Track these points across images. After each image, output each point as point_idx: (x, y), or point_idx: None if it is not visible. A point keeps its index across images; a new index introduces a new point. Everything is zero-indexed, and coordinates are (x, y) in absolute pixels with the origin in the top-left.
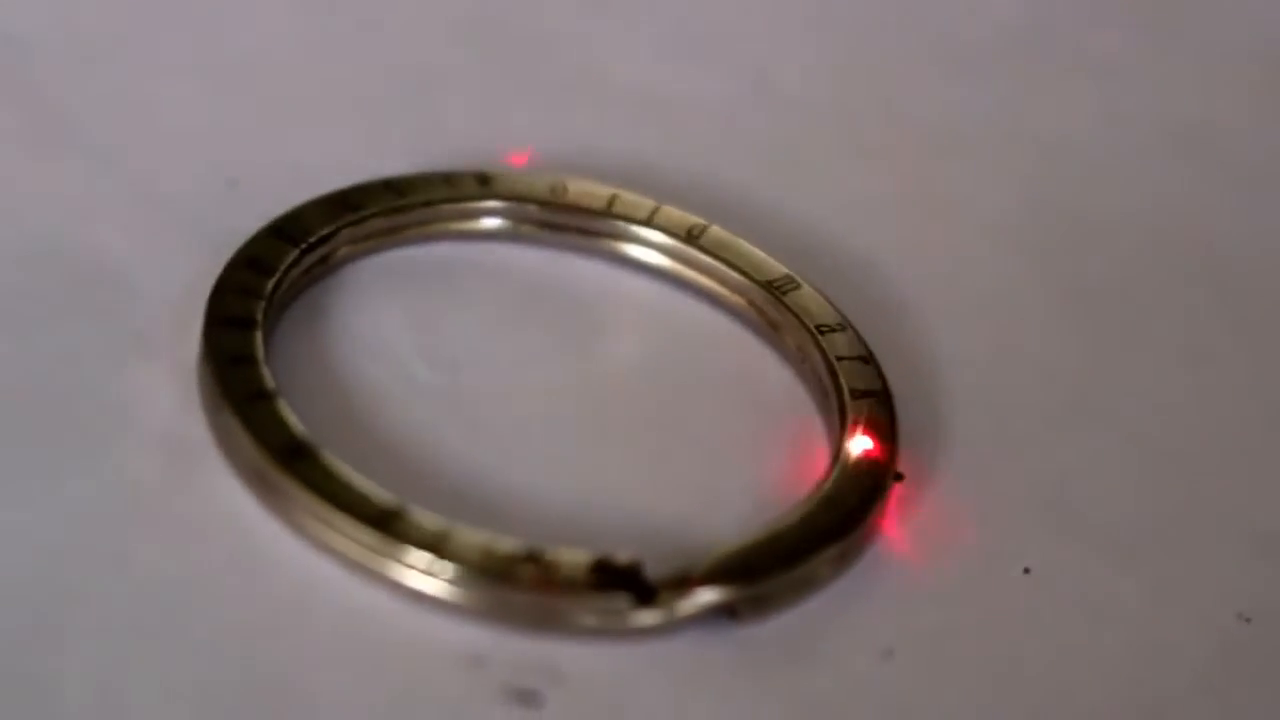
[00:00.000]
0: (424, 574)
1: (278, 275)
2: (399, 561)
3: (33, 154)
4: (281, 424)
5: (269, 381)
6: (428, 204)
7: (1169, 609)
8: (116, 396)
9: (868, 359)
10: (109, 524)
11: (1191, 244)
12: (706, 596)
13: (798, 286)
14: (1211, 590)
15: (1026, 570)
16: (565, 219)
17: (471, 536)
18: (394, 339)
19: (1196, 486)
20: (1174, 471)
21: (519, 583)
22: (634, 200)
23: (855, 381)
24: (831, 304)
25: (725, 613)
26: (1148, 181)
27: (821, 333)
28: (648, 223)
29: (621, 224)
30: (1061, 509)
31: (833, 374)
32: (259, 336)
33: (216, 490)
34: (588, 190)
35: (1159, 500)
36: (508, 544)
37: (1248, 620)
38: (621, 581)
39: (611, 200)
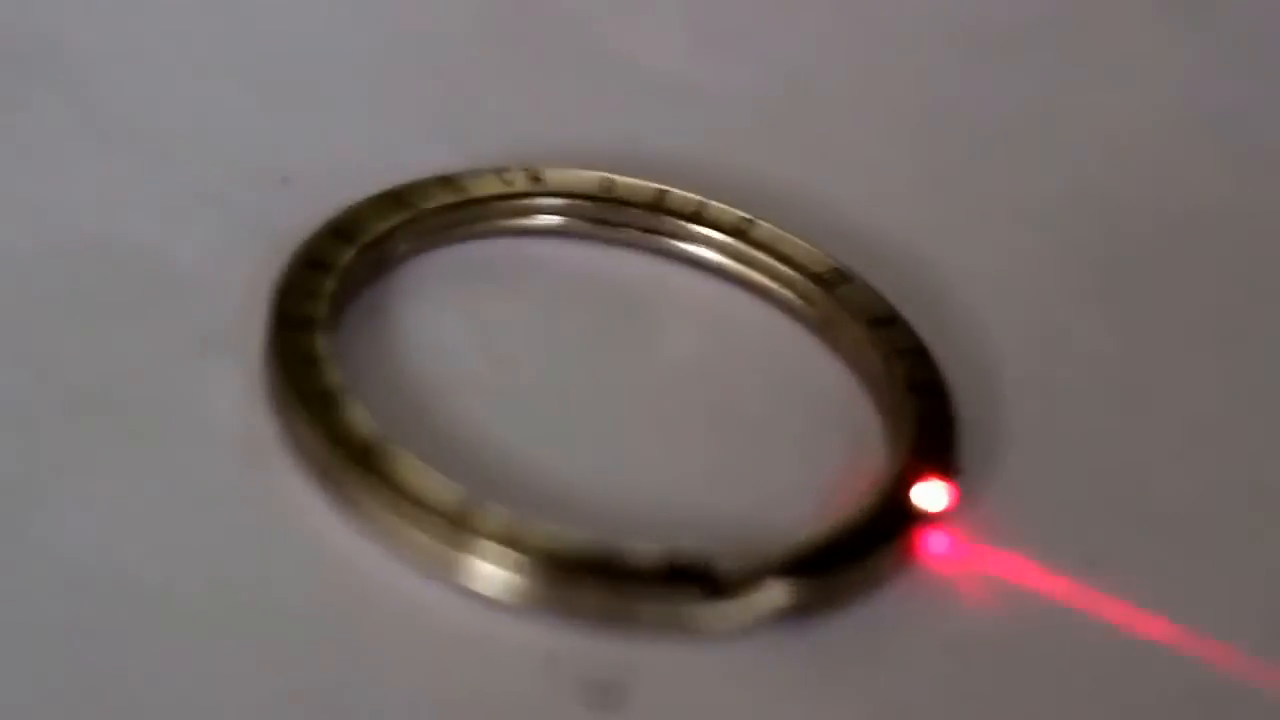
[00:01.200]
0: (496, 571)
1: (338, 273)
2: (470, 558)
3: (92, 156)
4: (350, 422)
5: (336, 380)
6: (482, 200)
7: (1231, 597)
8: (182, 398)
9: (922, 351)
10: (178, 524)
11: (1238, 228)
12: (778, 591)
13: (849, 280)
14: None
15: (1091, 563)
16: (617, 215)
17: (542, 532)
18: (455, 336)
19: (1259, 475)
20: (1236, 458)
21: (591, 579)
22: (682, 196)
23: (911, 374)
24: (883, 297)
25: (796, 608)
26: (1190, 166)
27: (875, 326)
28: (697, 218)
29: (671, 220)
30: (1125, 499)
31: (888, 367)
32: (323, 336)
33: (286, 490)
34: (637, 186)
35: (1220, 488)
36: (578, 540)
37: None
38: (693, 577)
39: (661, 196)
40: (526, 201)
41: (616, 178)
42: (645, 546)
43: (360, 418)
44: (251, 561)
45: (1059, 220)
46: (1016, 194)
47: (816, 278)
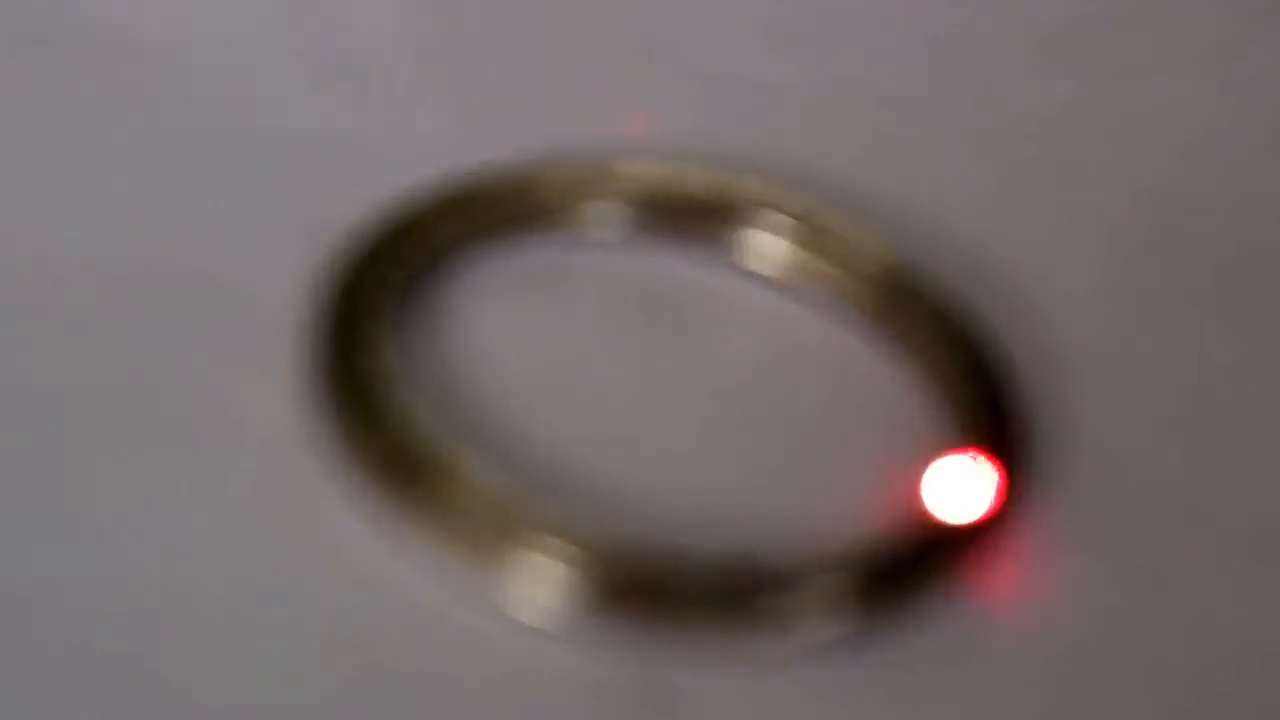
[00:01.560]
0: (551, 583)
1: (393, 272)
2: (525, 571)
3: (137, 152)
4: (403, 429)
5: (388, 384)
6: (538, 197)
7: None
8: (231, 402)
9: (991, 353)
10: (225, 534)
11: None
12: (842, 601)
13: (916, 279)
14: None
15: (1157, 580)
16: (677, 213)
17: (600, 544)
18: (512, 338)
19: None
20: None
21: (651, 593)
22: (745, 193)
23: (979, 376)
24: (951, 297)
25: (861, 617)
26: (1256, 165)
27: (943, 325)
28: (761, 214)
29: (734, 218)
30: (1196, 505)
31: (955, 367)
32: (376, 336)
33: (337, 499)
34: (698, 183)
35: None
36: (636, 552)
37: None
38: (756, 588)
39: (723, 194)
40: (585, 198)
41: (678, 174)
42: (703, 559)
43: (414, 425)
44: (298, 574)
45: (1134, 221)
46: (1080, 193)
47: (884, 277)
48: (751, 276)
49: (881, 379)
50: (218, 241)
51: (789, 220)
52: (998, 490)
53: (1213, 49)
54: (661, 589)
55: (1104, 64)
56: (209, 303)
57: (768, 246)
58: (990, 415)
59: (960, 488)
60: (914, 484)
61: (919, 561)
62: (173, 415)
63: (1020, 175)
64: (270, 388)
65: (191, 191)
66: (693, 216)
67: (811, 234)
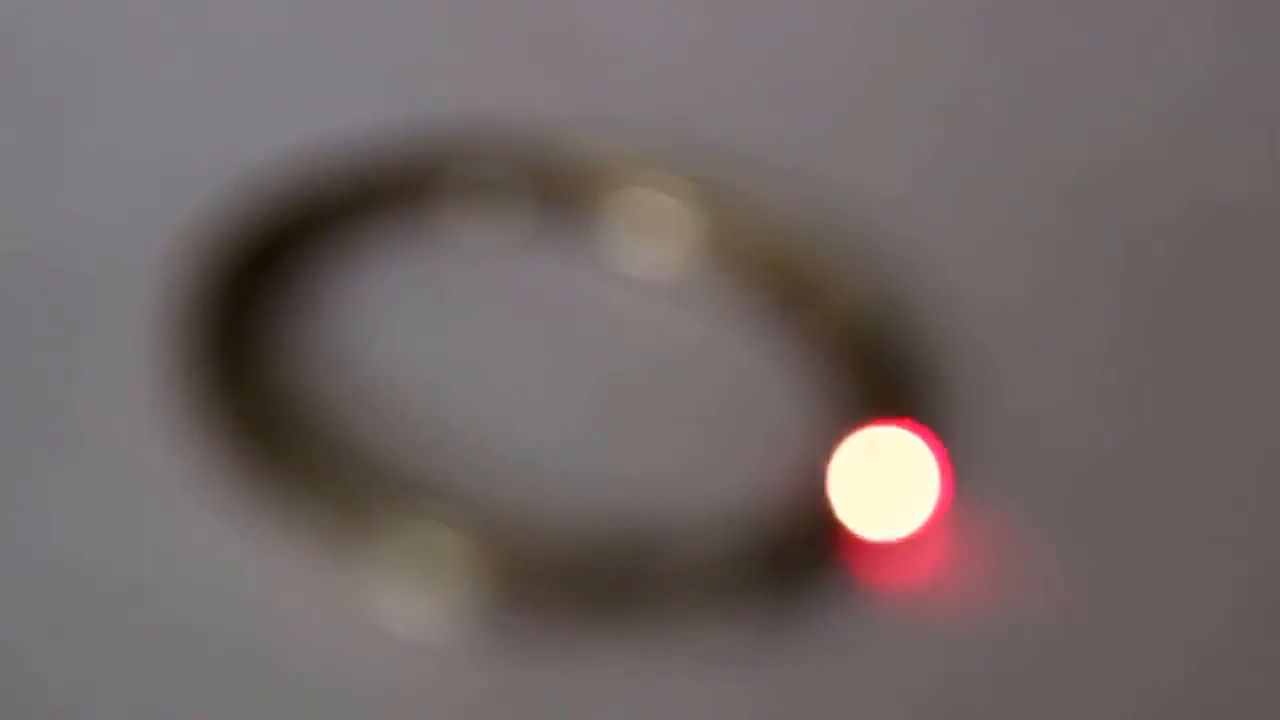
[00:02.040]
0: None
1: (254, 263)
2: (388, 564)
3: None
4: (270, 431)
5: (252, 377)
6: (414, 179)
7: (1228, 566)
8: (84, 394)
9: (891, 335)
10: (84, 528)
11: (1256, 221)
12: (724, 596)
13: (816, 260)
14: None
15: (1076, 541)
16: (562, 189)
17: (485, 530)
18: (383, 323)
19: (1259, 444)
20: (1233, 433)
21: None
22: (630, 164)
23: (878, 348)
24: (854, 278)
25: (753, 609)
26: (1175, 146)
27: (843, 309)
28: (646, 189)
29: (618, 190)
30: (1118, 473)
31: (854, 351)
32: (237, 327)
33: (198, 495)
34: (587, 156)
35: (1221, 461)
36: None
37: None
38: (629, 586)
39: (606, 166)
40: (458, 197)
41: (565, 148)
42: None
43: (280, 426)
44: (159, 568)
45: (1056, 203)
46: (1009, 175)
47: (777, 250)
48: (639, 253)
49: (778, 358)
50: (72, 224)
51: (680, 193)
52: (907, 472)
53: (1164, 39)
54: (549, 575)
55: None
56: (65, 288)
57: (657, 220)
58: (891, 394)
59: (867, 471)
60: (814, 466)
61: (814, 545)
62: (23, 405)
63: (929, 146)
64: (124, 380)
65: (42, 175)
66: (577, 192)
67: (704, 204)
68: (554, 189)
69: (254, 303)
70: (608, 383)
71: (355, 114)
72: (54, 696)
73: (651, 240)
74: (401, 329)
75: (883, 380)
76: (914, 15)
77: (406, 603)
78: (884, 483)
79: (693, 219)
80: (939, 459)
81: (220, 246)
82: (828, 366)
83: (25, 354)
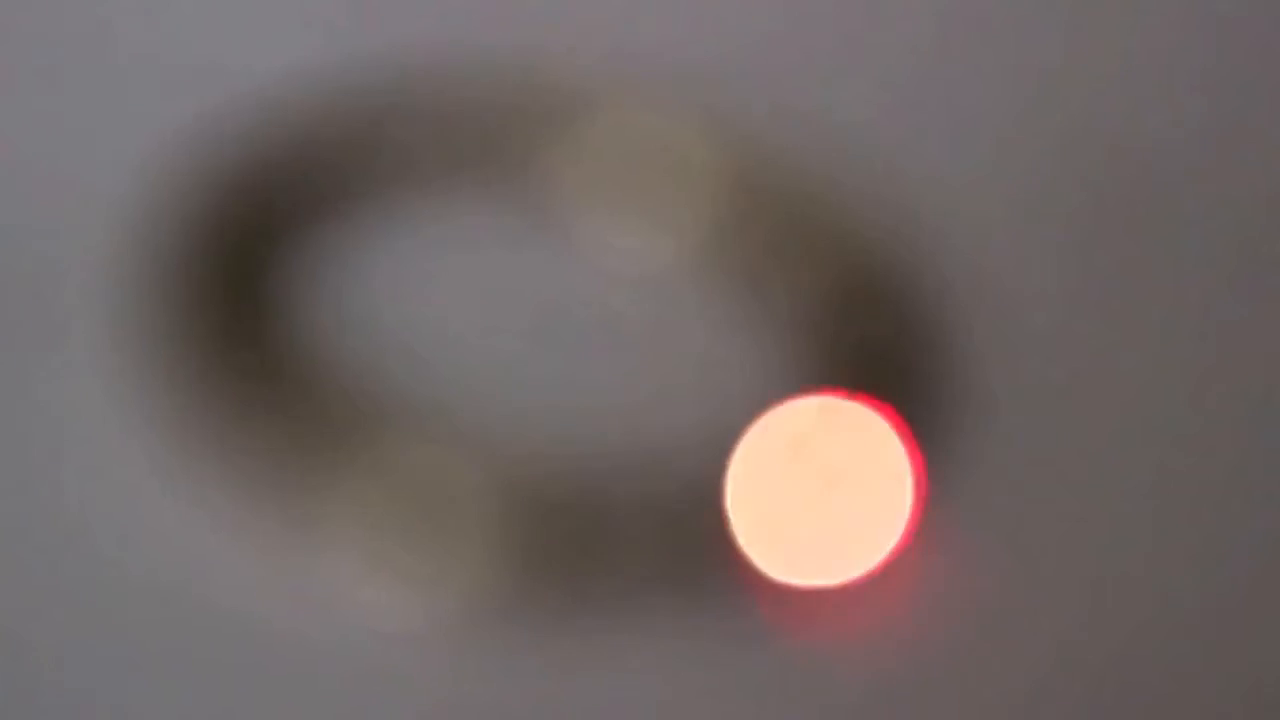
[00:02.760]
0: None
1: (230, 244)
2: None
3: None
4: (234, 396)
5: (217, 351)
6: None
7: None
8: (31, 374)
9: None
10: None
11: (1228, 181)
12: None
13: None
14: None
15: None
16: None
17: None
18: (363, 304)
19: (1261, 438)
20: (1235, 422)
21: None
22: (585, 93)
23: (849, 298)
24: (830, 226)
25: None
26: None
27: (815, 263)
28: (600, 124)
29: (572, 126)
30: (1115, 460)
31: (818, 305)
32: (196, 305)
33: (156, 472)
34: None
35: (1220, 451)
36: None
37: None
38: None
39: (556, 95)
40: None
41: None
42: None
43: (243, 390)
44: (121, 550)
45: (1038, 162)
46: (997, 133)
47: (743, 193)
48: (591, 190)
49: (731, 312)
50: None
51: (639, 127)
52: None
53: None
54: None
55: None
56: (19, 292)
57: (611, 154)
58: (857, 346)
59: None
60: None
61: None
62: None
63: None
64: (76, 355)
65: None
66: (520, 128)
67: (666, 140)
68: (530, 120)
69: (227, 270)
70: (578, 334)
71: (324, 46)
72: (30, 664)
73: (630, 183)
74: (377, 282)
75: (864, 350)
76: None
77: (382, 588)
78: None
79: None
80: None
81: (182, 208)
82: (806, 328)
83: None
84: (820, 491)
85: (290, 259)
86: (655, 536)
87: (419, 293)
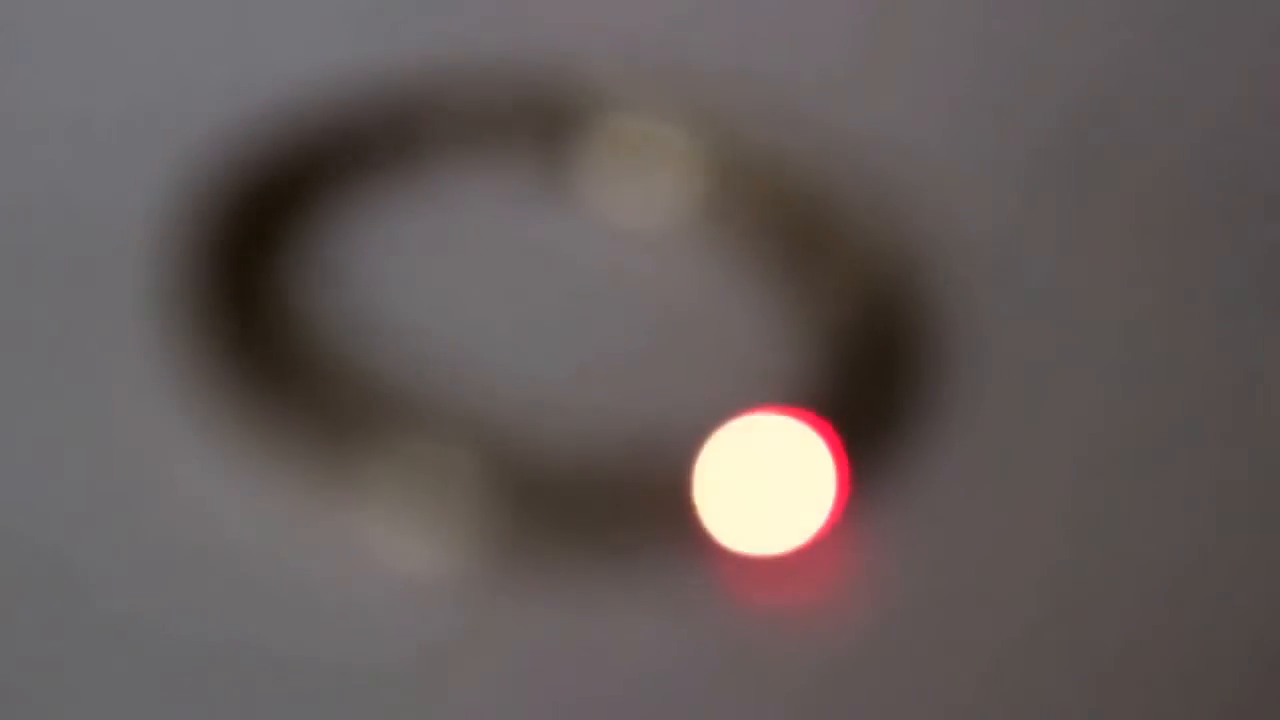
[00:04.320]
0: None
1: (253, 211)
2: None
3: None
4: (258, 365)
5: (251, 319)
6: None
7: (1211, 530)
8: (83, 333)
9: (853, 265)
10: (77, 468)
11: (1220, 154)
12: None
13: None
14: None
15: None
16: (529, 125)
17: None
18: (372, 271)
19: (1241, 407)
20: (1215, 397)
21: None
22: (606, 95)
23: (839, 288)
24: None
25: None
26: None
27: (806, 242)
28: (621, 122)
29: (588, 126)
30: (1096, 432)
31: (811, 283)
32: (237, 276)
33: (199, 434)
34: (554, 89)
35: (1197, 426)
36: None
37: None
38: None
39: (578, 98)
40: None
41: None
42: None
43: (277, 356)
44: (165, 511)
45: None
46: (984, 113)
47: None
48: (606, 185)
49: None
50: (69, 179)
51: (651, 127)
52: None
53: None
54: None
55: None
56: (60, 246)
57: (624, 151)
58: (847, 331)
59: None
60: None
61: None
62: (31, 346)
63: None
64: (124, 323)
65: (51, 121)
66: (543, 127)
67: (674, 142)
68: (548, 122)
69: (253, 245)
70: (592, 316)
71: (342, 51)
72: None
73: (644, 176)
74: (399, 268)
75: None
76: None
77: (404, 538)
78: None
79: (688, 156)
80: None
81: (216, 191)
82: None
83: (30, 296)
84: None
85: (307, 229)
86: (637, 504)
87: (424, 260)
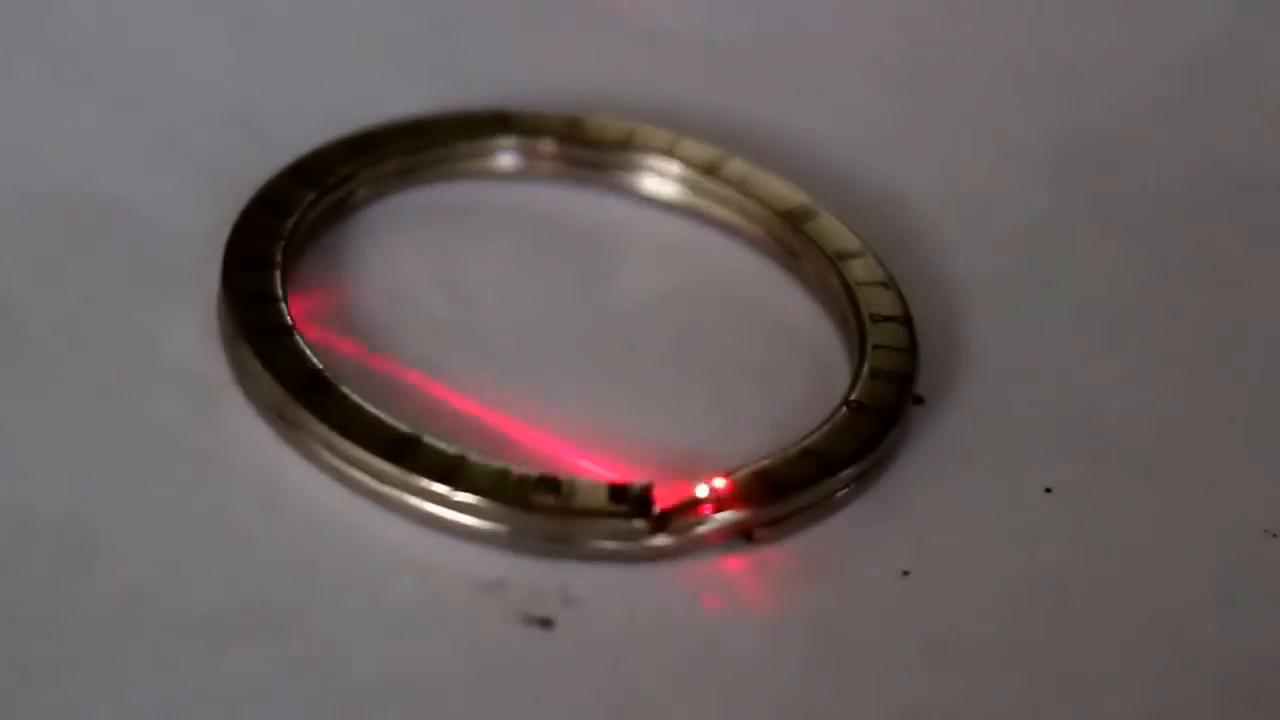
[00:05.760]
0: (439, 502)
1: (296, 216)
2: (415, 490)
3: (56, 101)
4: (298, 359)
5: (286, 318)
6: (446, 143)
7: (1194, 525)
8: (140, 336)
9: (888, 284)
10: (133, 458)
11: (1217, 169)
12: (720, 519)
13: (816, 215)
14: (1239, 507)
15: (1048, 490)
16: (583, 154)
17: (486, 464)
18: (412, 276)
19: (1223, 404)
20: (1199, 390)
21: (534, 508)
22: (653, 134)
23: (875, 307)
24: (851, 231)
25: (740, 535)
26: (1173, 108)
27: (841, 260)
28: (667, 155)
29: (640, 157)
30: (1085, 429)
31: (852, 300)
32: (278, 275)
33: (237, 425)
34: (606, 125)
35: (1184, 418)
36: (522, 470)
37: (1275, 535)
38: (635, 505)
39: (630, 135)
40: (491, 143)
41: (585, 117)
42: (588, 477)
43: (308, 354)
44: (202, 494)
45: (1039, 159)
46: (998, 133)
47: (786, 214)
48: (658, 214)
49: (782, 311)
50: (130, 187)
51: (697, 158)
52: (895, 406)
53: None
54: (554, 501)
55: (1027, 9)
56: (121, 247)
57: (675, 184)
58: (885, 344)
59: (858, 403)
60: (814, 402)
61: (816, 474)
62: (81, 352)
63: (934, 118)
64: (178, 326)
65: (104, 139)
66: (599, 158)
67: (719, 172)
68: (580, 153)
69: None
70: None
71: (412, 90)
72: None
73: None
74: (422, 278)
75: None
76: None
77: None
78: None
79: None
80: None
81: (262, 202)
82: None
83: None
84: None
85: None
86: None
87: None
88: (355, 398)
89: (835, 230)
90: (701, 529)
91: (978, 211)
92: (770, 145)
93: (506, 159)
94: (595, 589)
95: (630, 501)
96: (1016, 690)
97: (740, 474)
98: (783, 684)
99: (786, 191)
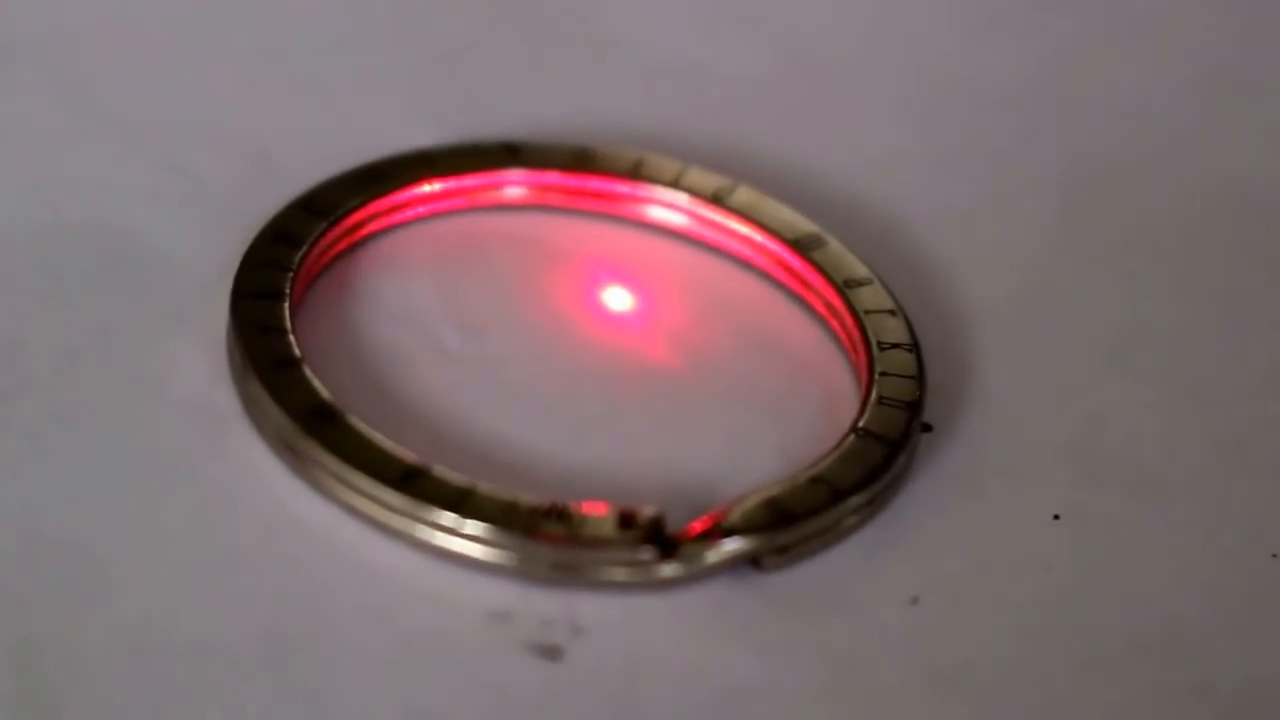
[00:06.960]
0: (448, 532)
1: (305, 247)
2: (424, 520)
3: (67, 136)
4: (307, 390)
5: (295, 350)
6: (454, 175)
7: (1202, 550)
8: (150, 368)
9: (895, 312)
10: (143, 489)
11: (1222, 191)
12: (730, 547)
13: (824, 243)
14: (1247, 531)
15: (1056, 517)
16: (590, 185)
17: (495, 494)
18: (420, 307)
19: (1230, 428)
20: (1206, 414)
21: (543, 537)
22: (661, 163)
23: (883, 334)
24: (859, 259)
25: (749, 563)
26: (1178, 130)
27: (849, 287)
28: (674, 185)
29: (648, 187)
30: (1093, 455)
31: (860, 327)
32: (286, 307)
33: (246, 455)
34: (614, 155)
35: (1191, 443)
36: (531, 500)
37: None
38: (644, 534)
39: (638, 164)
40: (499, 174)
41: (593, 148)
42: (596, 506)
43: (316, 385)
44: (211, 524)
45: (1043, 185)
46: (1003, 160)
47: (793, 242)
48: (666, 243)
49: (791, 338)
50: (141, 219)
51: (705, 187)
52: (904, 433)
53: (1135, 18)
54: (563, 530)
55: (1030, 36)
56: (131, 278)
57: (683, 213)
58: (893, 372)
59: (866, 431)
60: (822, 429)
61: (824, 502)
62: (90, 383)
63: (939, 145)
64: (187, 357)
65: (115, 172)
66: (607, 187)
67: (726, 201)
68: (588, 184)
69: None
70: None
71: (420, 122)
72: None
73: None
74: (429, 309)
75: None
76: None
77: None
78: None
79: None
80: None
81: (271, 234)
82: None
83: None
84: None
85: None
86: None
87: None
88: (364, 428)
89: (843, 258)
90: (710, 557)
91: (985, 238)
92: (777, 174)
93: (515, 190)
94: (604, 618)
95: (639, 530)
96: (1025, 717)
97: (749, 502)
98: (792, 712)
99: (794, 220)
